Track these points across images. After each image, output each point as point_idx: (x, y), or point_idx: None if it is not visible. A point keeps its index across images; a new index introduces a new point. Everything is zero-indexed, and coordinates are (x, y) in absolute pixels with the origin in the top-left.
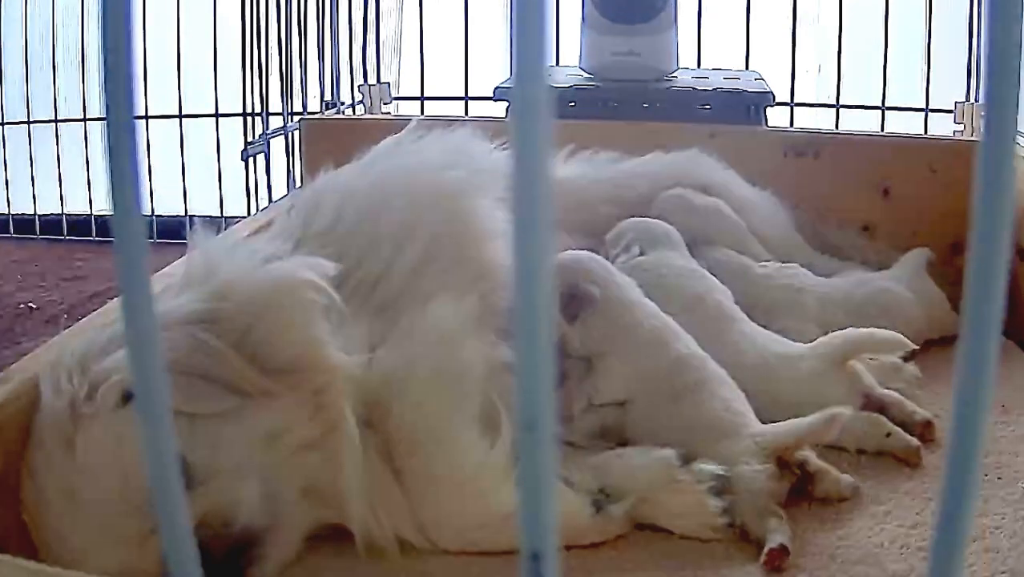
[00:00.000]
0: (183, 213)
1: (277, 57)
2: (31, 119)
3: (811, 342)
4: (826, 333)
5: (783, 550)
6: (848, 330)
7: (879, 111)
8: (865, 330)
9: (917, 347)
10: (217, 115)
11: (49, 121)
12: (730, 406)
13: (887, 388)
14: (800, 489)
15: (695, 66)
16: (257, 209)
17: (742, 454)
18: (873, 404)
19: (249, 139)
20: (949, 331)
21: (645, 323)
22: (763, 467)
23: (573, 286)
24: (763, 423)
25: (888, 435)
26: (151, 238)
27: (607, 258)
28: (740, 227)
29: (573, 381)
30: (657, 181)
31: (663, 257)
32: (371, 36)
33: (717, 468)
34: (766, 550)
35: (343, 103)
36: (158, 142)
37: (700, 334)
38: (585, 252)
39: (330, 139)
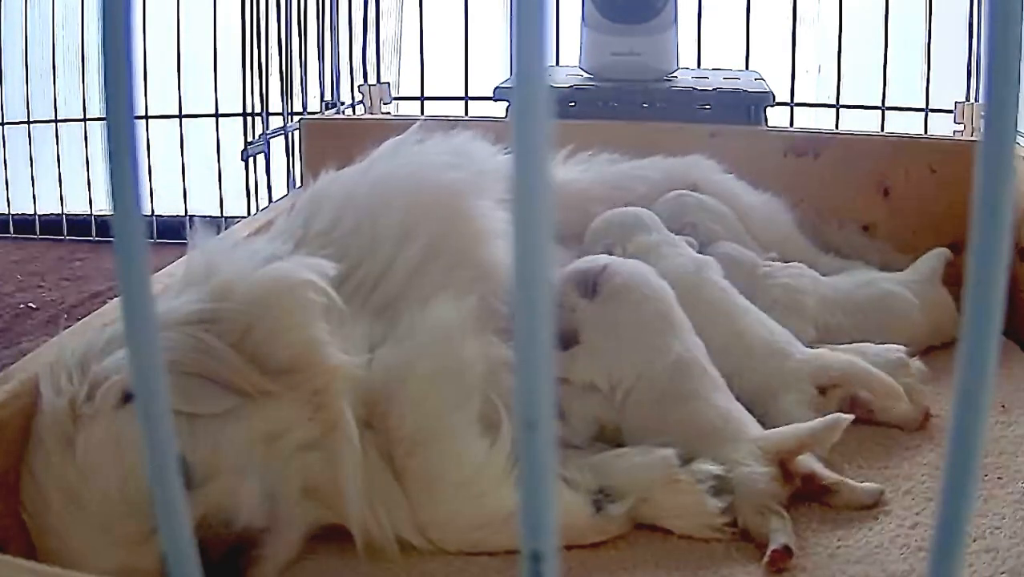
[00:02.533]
0: (183, 213)
1: (277, 57)
2: (31, 119)
3: (808, 342)
4: (824, 334)
5: (786, 551)
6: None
7: (879, 111)
8: (861, 367)
9: (904, 347)
10: (217, 115)
11: (49, 121)
12: (730, 414)
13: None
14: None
15: (695, 66)
16: (257, 209)
17: (744, 458)
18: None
19: (249, 139)
20: (952, 338)
21: (653, 321)
22: (766, 469)
23: (596, 266)
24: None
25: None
26: (151, 238)
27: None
28: (738, 226)
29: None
30: (656, 184)
31: (642, 246)
32: (371, 36)
33: (716, 468)
34: (769, 551)
35: (343, 103)
36: (158, 142)
37: (692, 318)
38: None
39: (330, 139)
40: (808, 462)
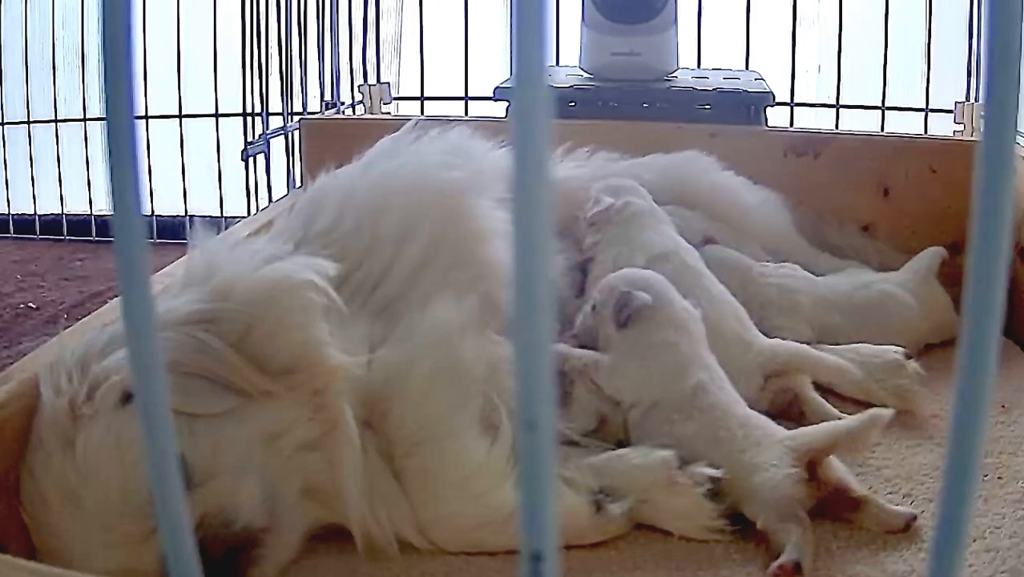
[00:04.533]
0: (183, 213)
1: (277, 57)
2: (31, 119)
3: (804, 340)
4: (822, 334)
5: (795, 569)
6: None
7: (879, 111)
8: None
9: (902, 348)
10: (217, 115)
11: (49, 121)
12: (749, 420)
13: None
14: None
15: (695, 66)
16: (257, 209)
17: (771, 460)
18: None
19: (249, 139)
20: (951, 336)
21: (678, 350)
22: (792, 472)
23: (627, 293)
24: None
25: None
26: (151, 238)
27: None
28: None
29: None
30: (654, 182)
31: (635, 205)
32: (371, 36)
33: (714, 470)
34: (777, 564)
35: (343, 103)
36: (158, 142)
37: None
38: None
39: (330, 139)
40: (840, 471)
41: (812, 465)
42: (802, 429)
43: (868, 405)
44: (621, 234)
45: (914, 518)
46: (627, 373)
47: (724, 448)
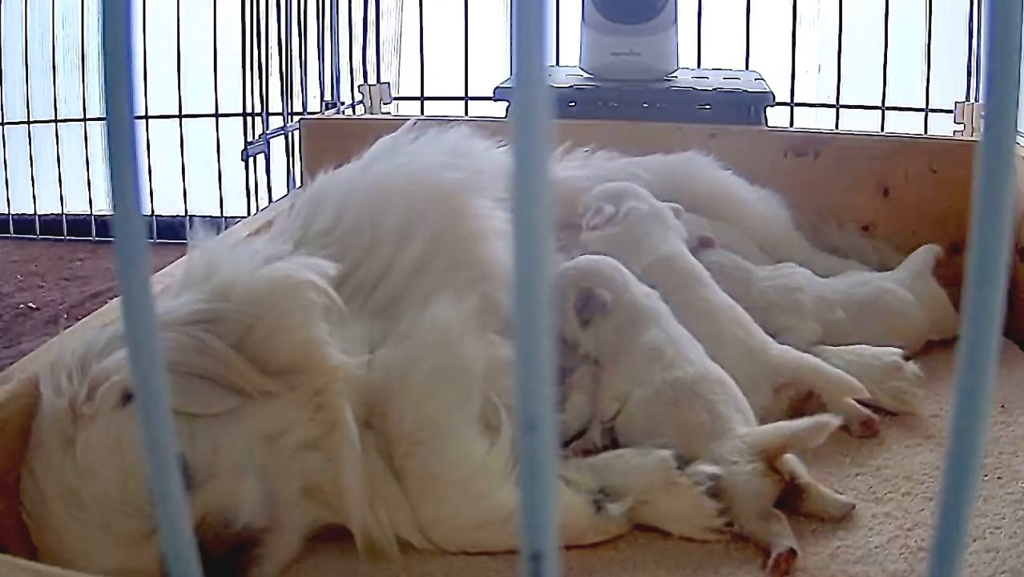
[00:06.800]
0: (183, 213)
1: (277, 57)
2: (31, 119)
3: (812, 340)
4: (826, 332)
5: (791, 553)
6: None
7: (879, 111)
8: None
9: (900, 350)
10: (217, 115)
11: (49, 121)
12: (714, 409)
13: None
14: (789, 503)
15: (695, 66)
16: (257, 209)
17: (731, 453)
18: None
19: (249, 139)
20: (950, 332)
21: (653, 340)
22: (755, 466)
23: (587, 289)
24: None
25: None
26: (151, 238)
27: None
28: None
29: (588, 395)
30: (653, 181)
31: (636, 210)
32: (371, 36)
33: (714, 469)
34: (774, 555)
35: (343, 103)
36: (158, 142)
37: (666, 293)
38: (606, 258)
39: (330, 139)
40: (791, 461)
41: (770, 461)
42: (758, 428)
43: (866, 406)
44: (623, 235)
45: (852, 508)
46: (619, 378)
47: (695, 438)
